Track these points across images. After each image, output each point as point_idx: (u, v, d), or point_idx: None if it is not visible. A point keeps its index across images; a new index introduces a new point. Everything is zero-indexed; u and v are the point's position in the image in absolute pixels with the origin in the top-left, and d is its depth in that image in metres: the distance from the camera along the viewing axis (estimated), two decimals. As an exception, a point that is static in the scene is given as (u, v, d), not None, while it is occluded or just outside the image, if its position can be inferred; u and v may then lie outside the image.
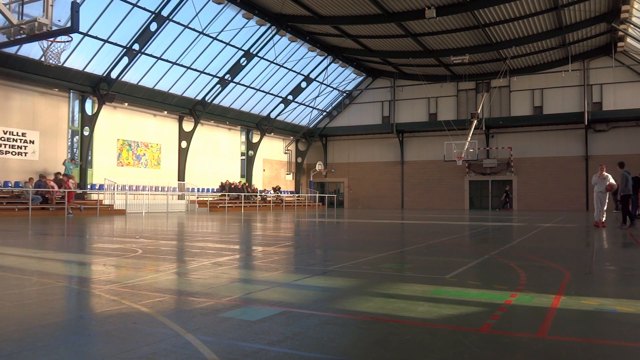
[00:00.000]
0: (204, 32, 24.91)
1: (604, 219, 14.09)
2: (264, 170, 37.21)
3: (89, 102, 24.21)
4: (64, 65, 21.52)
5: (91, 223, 15.96)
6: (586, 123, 32.38)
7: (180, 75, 26.92)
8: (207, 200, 29.35)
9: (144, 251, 8.06)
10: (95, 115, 24.01)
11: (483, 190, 36.34)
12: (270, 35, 27.78)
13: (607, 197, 14.21)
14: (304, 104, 36.64)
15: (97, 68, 23.47)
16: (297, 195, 38.89)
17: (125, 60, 23.39)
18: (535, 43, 29.15)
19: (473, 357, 2.89)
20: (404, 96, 37.92)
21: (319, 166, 39.75)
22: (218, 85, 28.72)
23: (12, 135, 21.31)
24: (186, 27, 24.09)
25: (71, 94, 23.87)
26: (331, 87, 37.03)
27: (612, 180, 13.97)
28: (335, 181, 41.23)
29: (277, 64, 30.71)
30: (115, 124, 25.94)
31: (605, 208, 14.11)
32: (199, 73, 27.41)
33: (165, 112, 28.67)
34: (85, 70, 23.04)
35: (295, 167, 40.79)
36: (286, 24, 27.65)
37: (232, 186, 31.32)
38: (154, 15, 22.44)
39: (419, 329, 3.50)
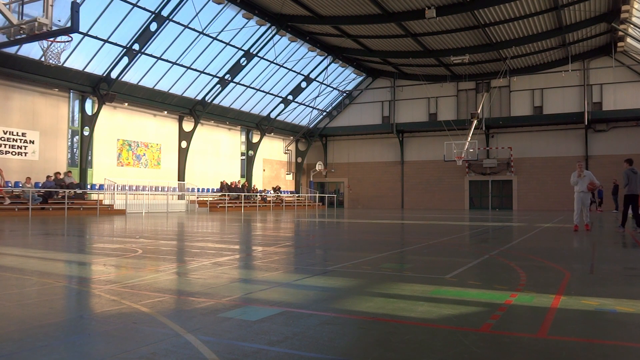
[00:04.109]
0: (204, 32, 24.91)
1: (588, 220, 13.19)
2: (264, 170, 37.22)
3: (89, 102, 24.21)
4: (64, 65, 21.52)
5: (91, 223, 15.96)
6: (586, 123, 32.38)
7: (180, 75, 26.92)
8: (207, 200, 29.35)
9: (144, 251, 8.06)
10: (95, 115, 24.01)
11: (483, 190, 36.34)
12: (270, 35, 27.78)
13: (589, 196, 13.41)
14: (304, 104, 36.64)
15: (97, 68, 23.47)
16: (297, 195, 38.89)
17: (125, 60, 23.39)
18: (535, 43, 29.15)
19: (473, 357, 2.89)
20: (404, 96, 37.92)
21: (319, 166, 39.75)
22: (218, 85, 28.72)
23: (12, 135, 21.32)
24: (186, 27, 24.09)
25: (71, 94, 23.87)
26: (331, 87, 37.03)
27: (594, 179, 13.13)
28: (335, 181, 41.23)
29: (277, 64, 30.71)
30: (115, 124, 25.94)
31: (589, 208, 13.32)
32: (199, 73, 27.42)
33: (165, 112, 28.67)
34: (85, 70, 23.04)
35: (295, 167, 40.79)
36: (286, 24, 27.65)
37: (232, 186, 31.32)
38: (154, 15, 22.43)
39: (419, 329, 3.50)
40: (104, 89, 23.62)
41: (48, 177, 21.46)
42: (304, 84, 34.20)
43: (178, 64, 25.99)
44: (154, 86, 26.46)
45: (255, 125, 34.66)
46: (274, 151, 38.46)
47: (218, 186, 31.05)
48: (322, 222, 17.89)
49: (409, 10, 24.84)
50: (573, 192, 13.39)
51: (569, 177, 13.57)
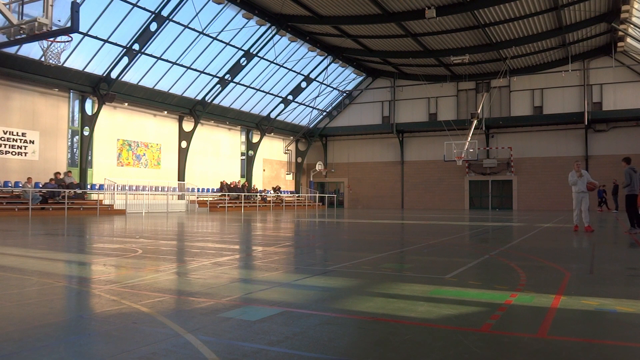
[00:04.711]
0: (204, 32, 24.91)
1: (588, 221, 12.61)
2: (264, 170, 37.22)
3: (89, 102, 24.22)
4: (64, 65, 21.53)
5: (91, 223, 15.96)
6: (586, 123, 32.39)
7: (180, 75, 26.92)
8: (207, 200, 29.35)
9: (144, 251, 8.06)
10: (95, 115, 24.02)
11: (483, 190, 36.34)
12: (270, 35, 27.78)
13: (588, 196, 12.86)
14: (304, 104, 36.64)
15: (97, 68, 23.48)
16: (297, 195, 38.89)
17: (125, 60, 23.40)
18: (535, 43, 29.15)
19: (473, 357, 2.89)
20: (404, 96, 37.92)
21: (319, 166, 39.75)
22: (218, 85, 28.72)
23: (12, 135, 21.32)
24: (186, 27, 24.09)
25: (71, 94, 23.87)
26: (331, 87, 37.04)
27: (590, 179, 12.76)
28: (335, 181, 41.23)
29: (277, 64, 30.71)
30: (115, 124, 25.94)
31: (588, 208, 12.75)
32: (199, 73, 27.42)
33: (165, 112, 28.67)
34: (85, 70, 23.04)
35: (295, 167, 40.79)
36: (286, 24, 27.65)
37: (232, 186, 31.32)
38: (154, 15, 22.44)
39: (419, 329, 3.50)
40: (104, 89, 23.62)
41: (51, 179, 21.46)
42: (304, 84, 34.20)
43: (178, 64, 25.99)
44: (154, 86, 26.46)
45: (255, 125, 34.65)
46: (274, 151, 38.46)
47: (218, 186, 31.06)
48: (322, 222, 17.89)
49: (409, 10, 24.84)
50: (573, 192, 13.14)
51: (568, 177, 13.23)
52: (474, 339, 3.23)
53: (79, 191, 22.27)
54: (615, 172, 28.52)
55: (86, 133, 23.87)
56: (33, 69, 21.16)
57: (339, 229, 14.40)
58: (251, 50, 28.06)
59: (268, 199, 34.13)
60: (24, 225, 14.69)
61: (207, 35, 25.32)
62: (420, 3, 23.89)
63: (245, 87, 31.15)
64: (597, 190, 28.28)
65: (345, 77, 37.15)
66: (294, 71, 32.70)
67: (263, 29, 27.39)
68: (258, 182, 35.98)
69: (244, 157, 35.21)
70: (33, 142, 22.11)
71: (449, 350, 3.02)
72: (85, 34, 21.21)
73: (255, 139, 35.29)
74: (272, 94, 33.41)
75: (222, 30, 25.57)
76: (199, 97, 29.01)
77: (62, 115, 23.44)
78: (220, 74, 28.35)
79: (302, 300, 4.41)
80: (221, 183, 30.92)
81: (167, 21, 22.97)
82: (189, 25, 24.15)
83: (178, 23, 23.66)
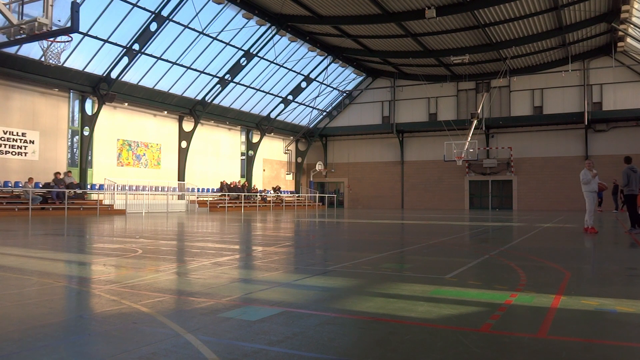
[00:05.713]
0: (204, 32, 24.91)
1: (591, 222, 12.38)
2: (264, 170, 37.22)
3: (89, 102, 24.22)
4: (64, 65, 21.53)
5: (91, 223, 15.96)
6: (586, 123, 32.39)
7: (180, 75, 26.92)
8: (207, 200, 29.35)
9: (144, 251, 8.06)
10: (95, 115, 24.02)
11: (483, 190, 36.34)
12: (270, 35, 27.78)
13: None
14: (304, 104, 36.64)
15: (97, 68, 23.47)
16: (297, 195, 38.89)
17: (125, 60, 23.40)
18: (535, 43, 29.15)
19: (473, 357, 2.89)
20: (404, 96, 37.92)
21: (319, 166, 39.75)
22: (218, 85, 28.72)
23: (12, 135, 21.32)
24: (186, 27, 24.09)
25: (71, 94, 23.87)
26: (331, 87, 37.04)
27: (598, 179, 12.60)
28: (335, 181, 41.23)
29: (277, 64, 30.71)
30: (115, 124, 25.94)
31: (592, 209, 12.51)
32: (199, 73, 27.41)
33: (165, 112, 28.67)
34: (85, 70, 23.04)
35: (295, 167, 40.79)
36: (286, 24, 27.65)
37: (232, 186, 31.33)
38: (154, 15, 22.44)
39: (419, 329, 3.50)
40: (104, 89, 23.62)
41: (53, 180, 21.42)
42: (304, 84, 34.20)
43: (178, 64, 25.99)
44: (154, 86, 26.46)
45: (255, 125, 34.66)
46: (274, 151, 38.46)
47: (218, 186, 31.06)
48: (322, 222, 17.89)
49: (409, 10, 24.84)
50: (574, 192, 13.15)
51: (569, 177, 13.27)
52: (474, 339, 3.23)
53: (79, 191, 22.27)
54: (616, 172, 28.51)
55: (86, 133, 23.87)
56: (33, 69, 21.15)
57: (339, 229, 14.40)
58: (251, 50, 28.06)
59: (268, 199, 34.13)
60: (24, 225, 14.69)
61: (207, 35, 25.32)
62: (420, 3, 23.89)
63: (245, 87, 31.15)
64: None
65: (345, 77, 37.15)
66: (294, 71, 32.70)
67: (263, 29, 27.39)
68: (258, 182, 35.98)
69: (244, 157, 35.21)
70: (33, 142, 22.11)
71: (449, 350, 3.02)
72: (85, 34, 21.21)
73: (255, 139, 35.30)
74: (272, 94, 33.41)
75: (222, 30, 25.57)
76: (199, 97, 29.01)
77: (62, 115, 23.44)
78: (220, 74, 28.35)
79: (302, 300, 4.41)
80: (221, 183, 30.91)
81: (167, 21, 22.97)
82: (189, 25, 24.14)
83: (178, 23, 23.65)
